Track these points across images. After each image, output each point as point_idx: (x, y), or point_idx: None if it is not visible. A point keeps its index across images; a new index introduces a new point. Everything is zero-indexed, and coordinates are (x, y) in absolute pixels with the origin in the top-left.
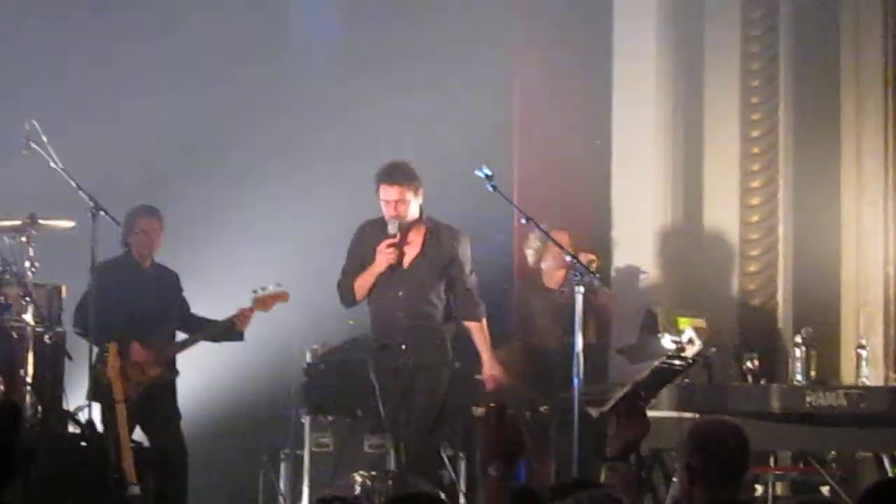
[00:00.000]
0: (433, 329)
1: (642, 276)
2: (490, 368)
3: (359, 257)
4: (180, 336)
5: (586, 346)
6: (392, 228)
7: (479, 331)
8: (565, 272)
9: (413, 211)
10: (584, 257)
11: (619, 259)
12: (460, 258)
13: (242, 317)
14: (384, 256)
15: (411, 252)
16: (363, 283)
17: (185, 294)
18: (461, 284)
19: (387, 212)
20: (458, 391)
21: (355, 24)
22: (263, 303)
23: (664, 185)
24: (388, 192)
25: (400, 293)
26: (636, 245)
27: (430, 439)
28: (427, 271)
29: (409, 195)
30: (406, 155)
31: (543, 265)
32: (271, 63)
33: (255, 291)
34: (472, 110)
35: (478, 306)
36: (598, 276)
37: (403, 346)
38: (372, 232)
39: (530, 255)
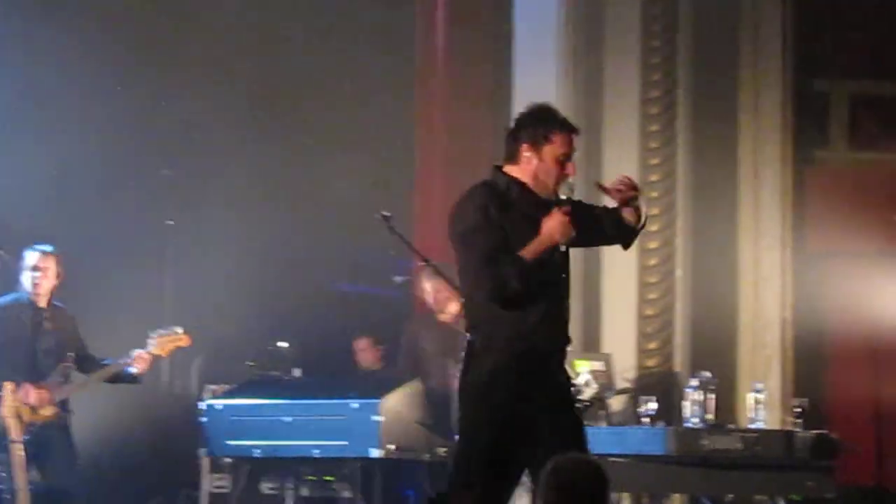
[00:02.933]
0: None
1: None
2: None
3: (503, 229)
4: (76, 377)
5: None
6: (566, 193)
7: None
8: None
9: None
10: None
11: None
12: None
13: (140, 360)
14: (566, 230)
15: None
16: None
17: (84, 335)
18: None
19: (562, 171)
20: None
21: None
22: (162, 347)
23: None
24: (570, 145)
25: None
26: None
27: None
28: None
29: None
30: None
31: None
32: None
33: (153, 334)
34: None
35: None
36: None
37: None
38: (512, 195)
39: (425, 293)
